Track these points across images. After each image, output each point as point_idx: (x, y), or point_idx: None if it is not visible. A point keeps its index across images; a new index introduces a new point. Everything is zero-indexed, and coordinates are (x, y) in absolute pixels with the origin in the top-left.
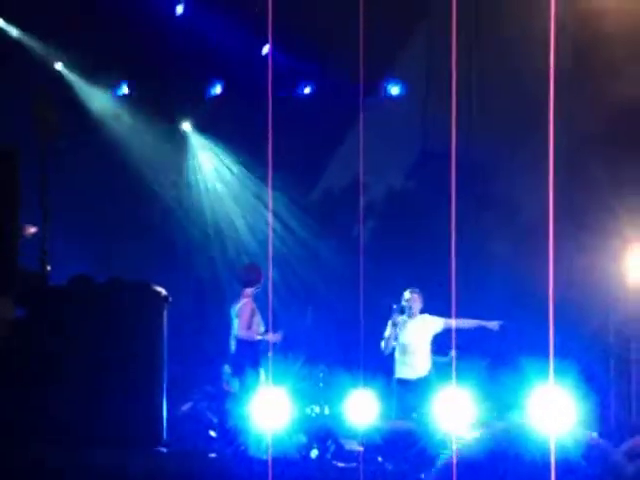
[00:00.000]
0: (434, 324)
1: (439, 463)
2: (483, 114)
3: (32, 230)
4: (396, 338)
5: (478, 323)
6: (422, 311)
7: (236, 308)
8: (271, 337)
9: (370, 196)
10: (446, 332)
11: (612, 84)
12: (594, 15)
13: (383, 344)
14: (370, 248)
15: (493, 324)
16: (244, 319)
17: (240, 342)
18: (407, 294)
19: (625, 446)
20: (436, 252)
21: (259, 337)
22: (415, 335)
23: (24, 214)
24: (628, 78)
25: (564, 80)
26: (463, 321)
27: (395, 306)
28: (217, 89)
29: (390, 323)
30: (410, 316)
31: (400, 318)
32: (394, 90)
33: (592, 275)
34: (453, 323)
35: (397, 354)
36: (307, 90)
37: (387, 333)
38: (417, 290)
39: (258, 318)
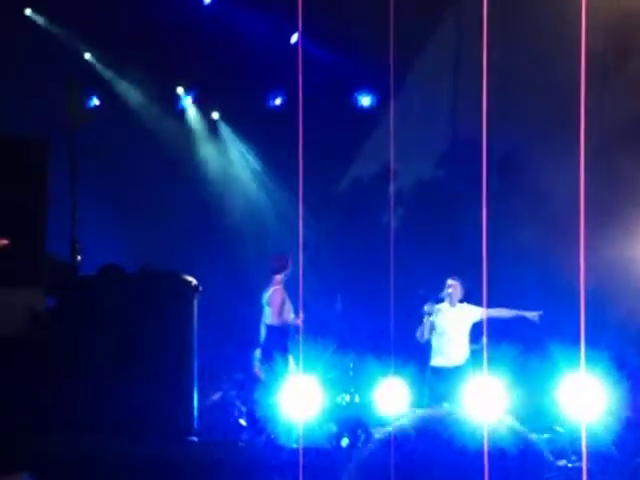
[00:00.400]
0: (473, 313)
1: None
2: (514, 102)
3: (3, 242)
4: (432, 327)
5: (517, 313)
6: (461, 300)
7: (266, 296)
8: (299, 321)
9: (399, 184)
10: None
11: None
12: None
13: (419, 332)
14: (399, 236)
15: (533, 314)
16: (275, 307)
17: (270, 330)
18: (448, 281)
19: None
20: (465, 240)
21: (289, 323)
22: (453, 324)
23: (54, 203)
24: None
25: (596, 68)
26: (502, 311)
27: (422, 292)
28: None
29: (425, 312)
30: (450, 304)
31: (438, 306)
32: (365, 101)
33: (622, 263)
34: (493, 313)
35: (434, 342)
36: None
37: (424, 321)
38: (457, 278)
39: (288, 305)
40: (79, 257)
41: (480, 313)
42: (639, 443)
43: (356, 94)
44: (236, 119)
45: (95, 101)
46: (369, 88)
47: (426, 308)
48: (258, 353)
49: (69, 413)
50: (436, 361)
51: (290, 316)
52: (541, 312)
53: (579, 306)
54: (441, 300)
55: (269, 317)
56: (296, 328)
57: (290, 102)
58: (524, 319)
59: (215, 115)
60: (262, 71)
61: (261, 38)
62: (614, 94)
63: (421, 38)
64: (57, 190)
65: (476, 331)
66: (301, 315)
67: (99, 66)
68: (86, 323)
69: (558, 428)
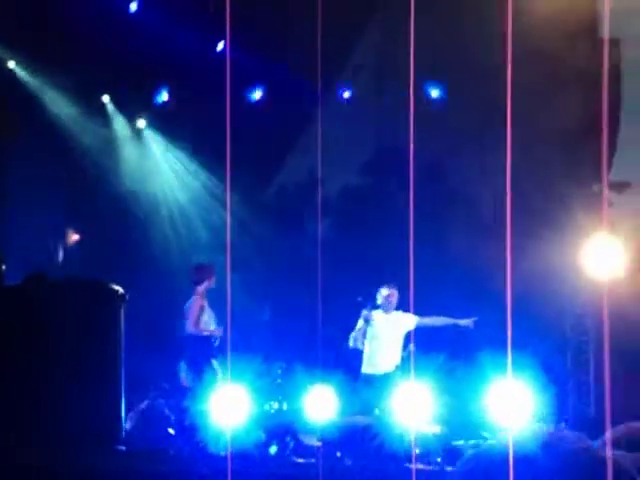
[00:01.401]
0: (407, 321)
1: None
2: (440, 109)
3: (75, 237)
4: (364, 334)
5: (451, 321)
6: (395, 308)
7: (186, 306)
8: (216, 331)
9: (326, 192)
10: None
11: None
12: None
13: (352, 339)
14: (327, 244)
15: (466, 322)
16: (192, 316)
17: (189, 339)
18: (385, 290)
19: (611, 434)
20: (392, 248)
21: (206, 333)
22: (388, 331)
23: None
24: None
25: (528, 72)
26: (436, 319)
27: (360, 299)
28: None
29: (361, 318)
30: (386, 311)
31: (373, 313)
32: (434, 93)
33: (549, 268)
34: (427, 321)
35: (366, 349)
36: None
37: (358, 326)
38: (394, 285)
39: (207, 315)
40: (3, 266)
41: (414, 321)
42: (564, 447)
43: (280, 102)
44: (160, 128)
45: (165, 96)
46: (295, 95)
47: (364, 314)
48: (184, 365)
49: None
50: (367, 368)
51: (210, 326)
52: (475, 318)
53: (506, 312)
54: (376, 307)
55: (186, 327)
56: (220, 338)
57: (217, 111)
58: (455, 326)
59: (141, 123)
60: (186, 80)
61: (184, 44)
62: (547, 96)
63: (347, 44)
64: None
65: (405, 338)
66: (217, 329)
67: (24, 75)
68: (10, 331)
69: (485, 434)
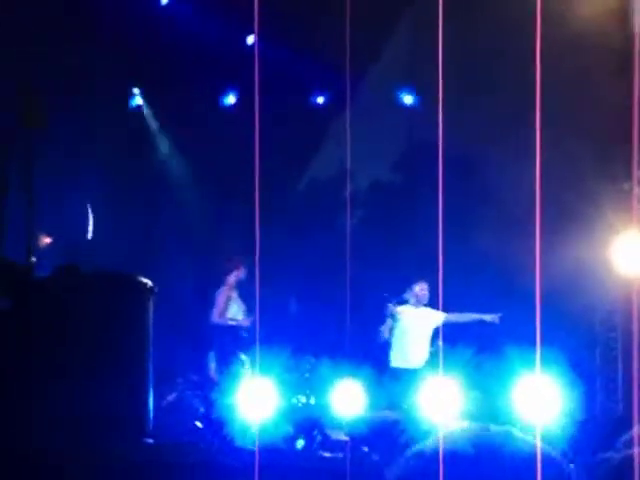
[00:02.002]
0: (436, 317)
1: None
2: (471, 104)
3: (47, 240)
4: (393, 328)
5: (478, 317)
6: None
7: (214, 296)
8: (243, 321)
9: (356, 186)
10: None
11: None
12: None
13: (380, 334)
14: (355, 238)
15: (492, 317)
16: (218, 306)
17: (218, 330)
18: (416, 286)
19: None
20: (422, 242)
21: (233, 323)
22: (417, 326)
23: (10, 205)
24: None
25: (555, 70)
26: (463, 315)
27: (386, 295)
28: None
29: (389, 311)
30: (416, 307)
31: (401, 308)
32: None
33: (578, 265)
34: (453, 318)
35: (395, 343)
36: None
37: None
38: (425, 281)
39: (236, 306)
40: (34, 258)
41: (442, 318)
42: (592, 443)
43: (313, 95)
44: (190, 120)
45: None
46: (326, 89)
47: (389, 309)
48: (213, 356)
49: (22, 413)
50: (396, 363)
51: (237, 317)
52: (500, 314)
53: (535, 307)
54: (404, 302)
55: (211, 316)
56: (248, 329)
57: (244, 103)
58: (481, 322)
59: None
60: (216, 72)
61: (216, 38)
62: (579, 92)
63: (378, 40)
64: (13, 193)
65: (433, 334)
66: (250, 319)
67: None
68: (40, 324)
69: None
